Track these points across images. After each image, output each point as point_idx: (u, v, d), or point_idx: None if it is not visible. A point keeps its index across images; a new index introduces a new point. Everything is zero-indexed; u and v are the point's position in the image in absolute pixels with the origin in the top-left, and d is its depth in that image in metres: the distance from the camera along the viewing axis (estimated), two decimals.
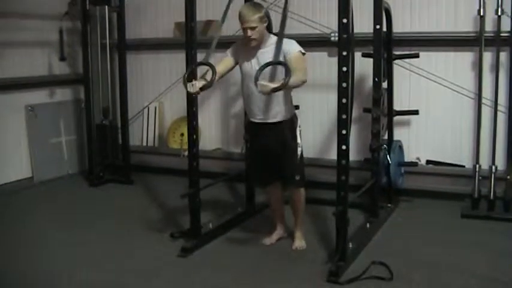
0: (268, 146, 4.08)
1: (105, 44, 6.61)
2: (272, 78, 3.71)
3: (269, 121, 4.01)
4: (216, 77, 3.81)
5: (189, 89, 3.80)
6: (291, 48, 3.85)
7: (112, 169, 6.54)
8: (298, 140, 4.08)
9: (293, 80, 3.61)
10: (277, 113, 3.99)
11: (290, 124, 4.04)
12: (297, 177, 4.12)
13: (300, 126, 4.10)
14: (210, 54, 3.95)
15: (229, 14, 4.10)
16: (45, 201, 5.71)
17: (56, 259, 4.18)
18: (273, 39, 3.93)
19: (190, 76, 3.95)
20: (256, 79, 3.61)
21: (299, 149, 4.08)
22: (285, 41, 3.86)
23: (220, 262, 4.10)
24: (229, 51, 4.11)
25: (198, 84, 3.79)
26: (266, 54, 3.87)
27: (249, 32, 3.83)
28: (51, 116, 6.56)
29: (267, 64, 3.70)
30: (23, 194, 5.91)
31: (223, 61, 4.08)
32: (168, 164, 6.53)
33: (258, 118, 4.05)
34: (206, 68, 3.87)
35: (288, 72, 3.56)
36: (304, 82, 3.79)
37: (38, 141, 6.38)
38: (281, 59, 3.77)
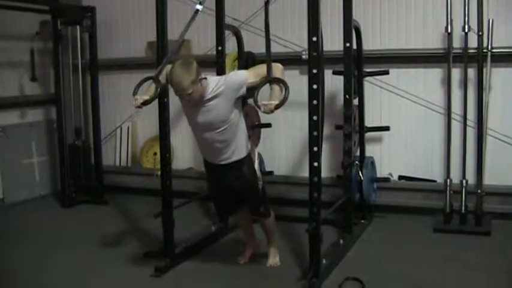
0: (228, 184, 4.02)
1: (77, 64, 6.61)
2: (256, 100, 3.63)
3: (227, 162, 3.92)
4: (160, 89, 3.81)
5: (132, 103, 3.78)
6: (238, 78, 3.76)
7: (85, 190, 6.48)
8: (258, 174, 4.02)
9: (279, 74, 3.66)
10: (232, 154, 3.89)
11: (247, 161, 3.97)
12: (261, 209, 4.11)
13: (259, 158, 4.08)
14: (161, 70, 3.89)
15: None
16: (16, 223, 5.63)
17: (26, 280, 4.13)
18: (212, 83, 3.76)
19: (136, 90, 3.85)
20: (256, 101, 3.59)
21: (260, 183, 4.04)
22: (224, 81, 3.76)
23: (194, 282, 4.08)
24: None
25: (140, 99, 3.74)
26: (211, 103, 3.75)
27: (187, 98, 3.69)
28: (23, 137, 6.49)
29: (263, 84, 3.66)
30: None
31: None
32: (141, 183, 6.50)
33: (215, 161, 3.97)
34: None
35: (286, 87, 3.57)
36: (282, 69, 3.73)
37: (9, 162, 6.30)
38: (240, 93, 3.73)
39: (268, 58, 3.72)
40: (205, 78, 3.76)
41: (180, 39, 4.03)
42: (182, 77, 3.60)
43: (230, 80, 3.76)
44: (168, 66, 3.88)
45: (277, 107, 3.54)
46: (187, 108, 3.88)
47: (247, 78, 3.73)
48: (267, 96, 3.64)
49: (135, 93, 3.82)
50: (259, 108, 3.58)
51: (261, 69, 3.72)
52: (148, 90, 3.85)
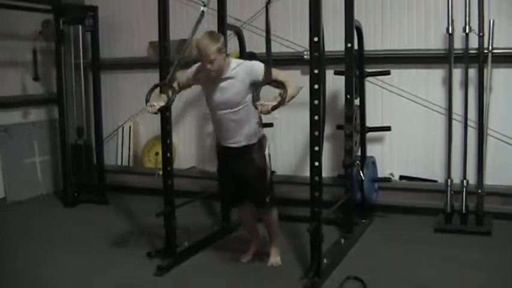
0: (238, 169, 4.08)
1: (79, 63, 6.62)
2: (254, 100, 3.66)
3: (239, 145, 4.01)
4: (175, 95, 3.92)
5: (148, 110, 3.85)
6: (259, 67, 3.82)
7: (87, 189, 6.49)
8: (267, 163, 4.09)
9: (290, 92, 3.59)
10: (247, 137, 4.00)
11: (259, 147, 4.05)
12: (267, 199, 4.14)
13: (269, 148, 4.13)
14: (173, 74, 3.98)
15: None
16: (18, 222, 5.64)
17: (28, 278, 4.14)
18: (234, 63, 3.92)
19: (148, 97, 3.92)
20: (254, 100, 3.61)
21: (268, 172, 4.09)
22: (245, 65, 3.89)
23: (196, 280, 4.10)
24: (190, 71, 4.08)
25: (157, 105, 3.84)
26: (229, 81, 3.87)
27: (208, 65, 3.80)
28: (25, 136, 6.51)
29: (260, 85, 3.68)
30: None
31: (185, 76, 4.07)
32: (143, 183, 6.51)
33: (228, 143, 4.05)
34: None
35: (284, 89, 3.57)
36: (300, 88, 3.73)
37: (11, 161, 6.32)
38: (254, 78, 3.80)
39: (268, 59, 3.74)
40: (228, 55, 3.90)
41: (188, 41, 4.07)
42: (209, 43, 3.74)
43: (251, 65, 3.90)
44: (179, 73, 3.98)
45: (274, 108, 3.56)
46: (206, 85, 3.98)
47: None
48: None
49: (148, 100, 3.88)
50: (256, 108, 3.61)
51: (284, 75, 3.74)
52: (161, 96, 3.95)
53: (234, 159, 4.08)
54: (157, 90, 4.05)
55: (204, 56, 3.77)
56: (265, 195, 4.13)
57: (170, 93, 3.89)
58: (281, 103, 3.55)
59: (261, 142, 4.08)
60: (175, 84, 3.99)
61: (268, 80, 3.68)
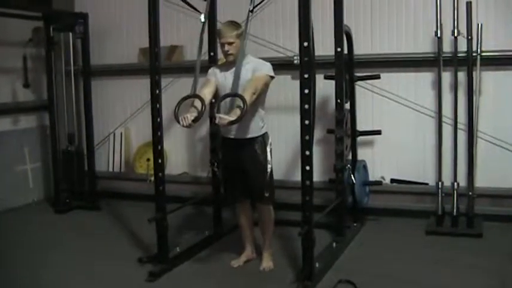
0: (240, 161, 4.14)
1: (70, 70, 6.62)
2: (232, 107, 3.80)
3: (242, 137, 4.10)
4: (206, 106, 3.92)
5: (181, 123, 3.80)
6: (263, 68, 3.99)
7: (78, 195, 6.48)
8: (269, 158, 4.15)
9: (249, 88, 3.82)
10: (251, 130, 4.08)
11: (262, 141, 4.13)
12: (266, 194, 4.18)
13: (271, 145, 4.18)
14: (196, 84, 4.02)
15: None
16: (10, 229, 5.62)
17: (23, 284, 4.14)
18: (250, 57, 4.08)
19: (177, 110, 3.90)
20: (218, 111, 3.74)
21: (269, 166, 4.15)
22: (262, 61, 4.08)
23: (188, 286, 4.10)
24: (208, 74, 4.20)
25: (190, 117, 3.79)
26: (242, 69, 3.96)
27: (227, 47, 3.98)
28: (16, 143, 6.49)
29: (225, 96, 3.86)
30: None
31: (207, 84, 4.13)
32: (135, 189, 6.50)
33: (232, 134, 4.12)
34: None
35: (244, 104, 3.66)
36: (254, 94, 3.85)
37: (2, 169, 6.29)
38: (250, 75, 3.93)
39: (236, 73, 3.92)
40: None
41: (199, 50, 4.18)
42: (230, 27, 4.02)
43: (262, 63, 4.06)
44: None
45: (231, 123, 3.70)
46: (220, 74, 4.12)
47: (258, 75, 3.95)
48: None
49: (176, 115, 3.85)
50: (215, 119, 3.73)
51: (254, 85, 3.89)
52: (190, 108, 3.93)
53: (237, 151, 4.14)
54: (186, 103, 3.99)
55: (224, 38, 3.98)
56: (264, 190, 4.17)
57: (200, 103, 3.87)
58: (237, 120, 3.68)
59: (264, 137, 4.15)
60: (197, 104, 3.93)
61: (233, 92, 3.85)
